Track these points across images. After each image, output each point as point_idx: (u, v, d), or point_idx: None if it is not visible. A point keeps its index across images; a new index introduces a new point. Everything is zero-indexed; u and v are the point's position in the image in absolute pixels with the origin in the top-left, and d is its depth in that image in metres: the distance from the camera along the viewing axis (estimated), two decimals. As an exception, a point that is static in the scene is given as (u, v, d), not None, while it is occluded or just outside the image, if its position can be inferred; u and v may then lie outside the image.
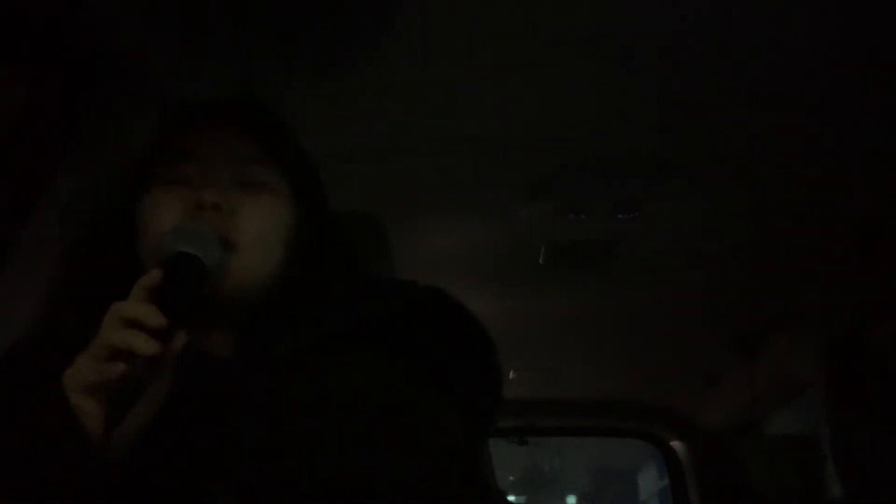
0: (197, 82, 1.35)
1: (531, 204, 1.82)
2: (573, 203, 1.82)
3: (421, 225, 1.89)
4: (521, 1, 1.23)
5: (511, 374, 2.74)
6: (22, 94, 1.23)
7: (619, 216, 1.84)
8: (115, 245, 0.94)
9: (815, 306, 2.28)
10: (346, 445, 0.79)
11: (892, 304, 2.16)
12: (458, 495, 0.81)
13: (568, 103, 1.49)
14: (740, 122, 1.54)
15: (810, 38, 1.30)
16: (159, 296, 0.75)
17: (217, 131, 0.93)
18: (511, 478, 12.94)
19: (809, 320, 2.36)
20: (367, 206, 1.28)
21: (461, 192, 1.79)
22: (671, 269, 2.14)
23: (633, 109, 1.51)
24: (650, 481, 11.70)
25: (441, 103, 1.48)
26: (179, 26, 1.24)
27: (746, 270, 2.13)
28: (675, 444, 3.34)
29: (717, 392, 2.99)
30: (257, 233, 0.89)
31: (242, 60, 1.33)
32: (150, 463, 0.75)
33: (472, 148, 1.62)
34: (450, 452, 0.84)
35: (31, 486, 0.70)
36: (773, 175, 1.71)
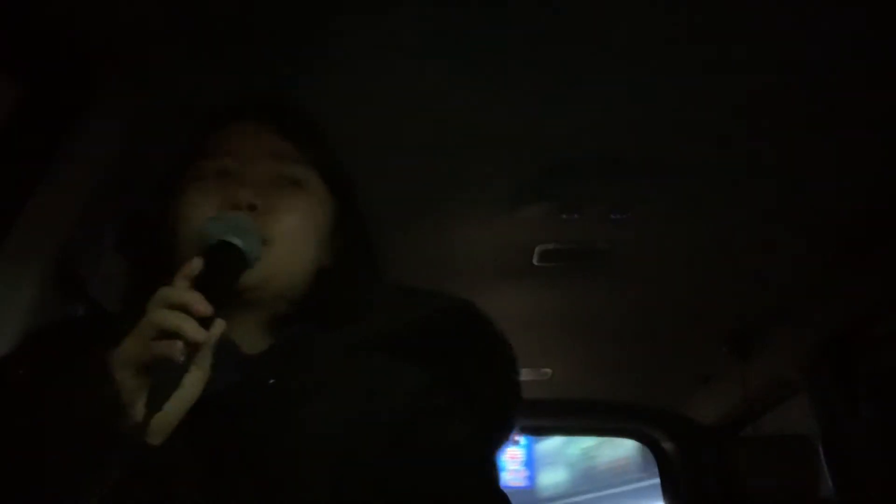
0: (196, 82, 1.35)
1: (524, 205, 1.82)
2: (566, 204, 1.82)
3: (414, 226, 1.89)
4: (519, 3, 1.24)
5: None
6: (21, 93, 1.23)
7: (613, 217, 1.85)
8: (152, 233, 0.95)
9: (808, 306, 2.29)
10: (371, 450, 0.80)
11: (884, 303, 2.17)
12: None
13: (562, 105, 1.49)
14: (735, 123, 1.55)
15: (808, 38, 1.30)
16: (202, 284, 0.76)
17: (256, 129, 0.95)
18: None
19: (802, 320, 2.37)
20: (361, 207, 1.28)
21: (454, 193, 1.79)
22: (664, 270, 2.14)
23: (628, 110, 1.51)
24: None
25: (436, 105, 1.48)
26: (179, 26, 1.24)
27: (739, 271, 2.14)
28: (667, 445, 3.35)
29: (709, 392, 3.00)
30: (292, 230, 0.90)
31: (240, 61, 1.33)
32: (176, 451, 0.75)
33: (465, 149, 1.62)
34: (470, 462, 0.86)
35: (68, 460, 0.70)
36: (766, 175, 1.72)
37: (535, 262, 2.06)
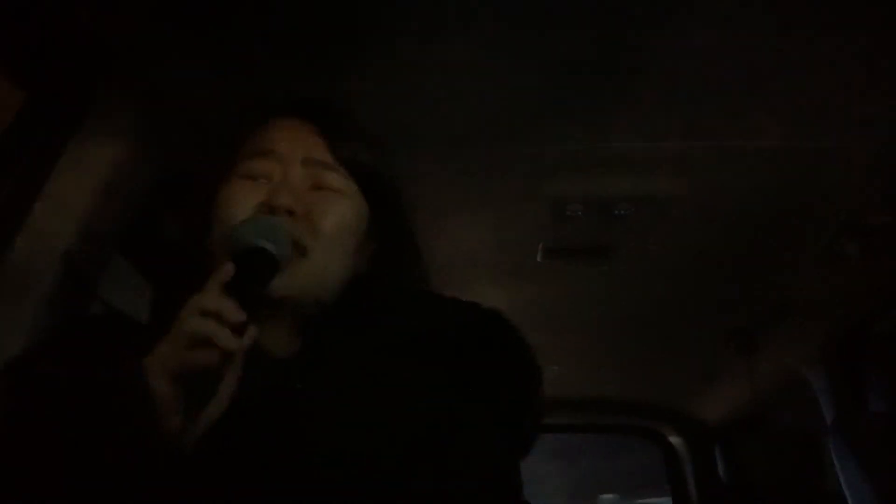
0: (195, 81, 1.35)
1: (528, 201, 1.82)
2: (570, 200, 1.82)
3: (418, 224, 1.88)
4: (520, 5, 1.23)
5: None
6: (26, 96, 1.24)
7: (616, 213, 1.84)
8: (186, 234, 0.95)
9: (814, 302, 2.28)
10: (395, 456, 0.81)
11: (892, 297, 2.17)
12: None
13: (566, 101, 1.49)
14: (738, 119, 1.54)
15: (809, 37, 1.30)
16: (233, 290, 0.75)
17: (296, 132, 0.95)
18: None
19: (808, 315, 2.36)
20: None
21: (458, 191, 1.79)
22: (669, 266, 2.14)
23: (630, 107, 1.51)
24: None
25: (438, 103, 1.48)
26: (183, 29, 1.25)
27: (745, 266, 2.13)
28: (674, 440, 3.35)
29: (715, 388, 2.99)
30: (329, 237, 0.90)
31: (242, 60, 1.33)
32: (209, 457, 0.75)
33: (469, 146, 1.62)
34: (492, 470, 0.87)
35: (102, 466, 0.70)
36: (771, 171, 1.71)
37: (539, 259, 2.06)
